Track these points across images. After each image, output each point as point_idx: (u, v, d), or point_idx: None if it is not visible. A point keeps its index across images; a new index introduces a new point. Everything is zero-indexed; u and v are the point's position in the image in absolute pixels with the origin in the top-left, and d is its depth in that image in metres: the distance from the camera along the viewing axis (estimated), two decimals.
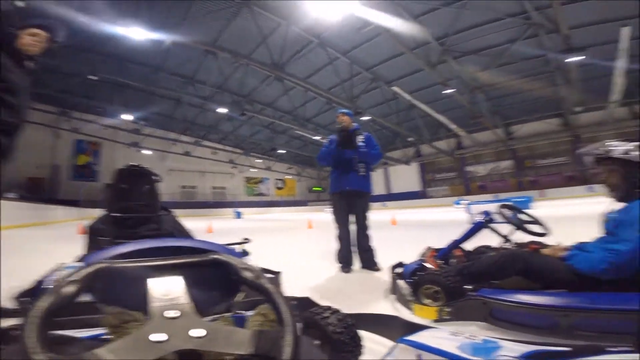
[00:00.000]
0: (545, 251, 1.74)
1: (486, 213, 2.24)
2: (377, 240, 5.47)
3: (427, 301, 1.77)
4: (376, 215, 16.04)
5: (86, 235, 1.75)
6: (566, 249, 1.69)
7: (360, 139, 3.14)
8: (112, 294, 0.56)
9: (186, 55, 14.62)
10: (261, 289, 0.49)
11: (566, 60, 11.11)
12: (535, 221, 2.16)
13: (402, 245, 4.86)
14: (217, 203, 31.26)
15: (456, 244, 2.32)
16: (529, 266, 1.61)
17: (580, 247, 1.67)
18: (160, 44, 12.11)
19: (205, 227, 9.58)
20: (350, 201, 3.12)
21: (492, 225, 2.19)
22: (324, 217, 18.69)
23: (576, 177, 22.28)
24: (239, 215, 22.97)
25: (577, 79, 12.94)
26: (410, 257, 2.50)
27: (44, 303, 0.40)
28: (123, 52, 14.56)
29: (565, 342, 0.97)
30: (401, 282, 2.10)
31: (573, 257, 1.57)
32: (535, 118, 21.77)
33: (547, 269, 1.59)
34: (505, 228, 2.13)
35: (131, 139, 25.81)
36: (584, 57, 10.47)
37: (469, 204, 8.64)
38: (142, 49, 13.80)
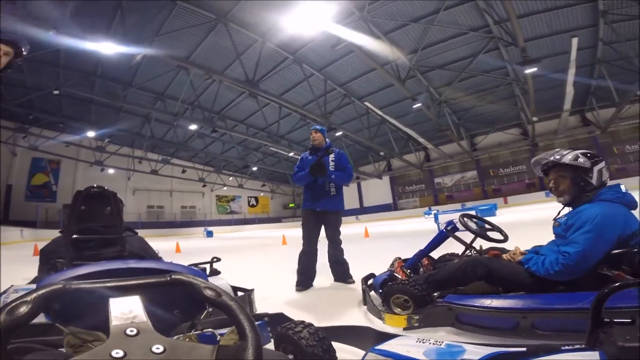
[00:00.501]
0: (504, 256, 1.84)
1: (449, 222, 2.33)
2: (351, 253, 5.50)
3: (397, 310, 1.81)
4: (349, 229, 16.16)
5: (40, 258, 1.66)
6: (523, 253, 1.79)
7: (331, 158, 3.20)
8: (70, 315, 0.55)
9: (157, 71, 14.30)
10: (222, 305, 0.49)
11: (525, 72, 11.89)
12: (495, 228, 2.28)
13: (375, 257, 4.92)
14: (186, 222, 30.21)
15: (423, 254, 2.39)
16: (490, 271, 1.69)
17: (536, 250, 1.78)
18: (130, 59, 11.75)
19: (174, 248, 9.22)
20: (322, 219, 3.19)
21: (456, 234, 2.29)
22: (299, 233, 18.53)
23: (535, 184, 23.69)
24: (210, 234, 22.25)
25: (533, 90, 13.95)
26: (382, 267, 2.55)
27: None
28: (91, 67, 14.12)
29: (524, 343, 1.03)
30: (373, 293, 2.13)
31: (529, 260, 1.67)
32: (497, 129, 23.12)
33: (506, 274, 1.67)
34: (469, 236, 2.23)
35: (94, 157, 24.52)
36: (535, 68, 11.20)
37: (436, 213, 8.95)
38: (111, 63, 13.36)
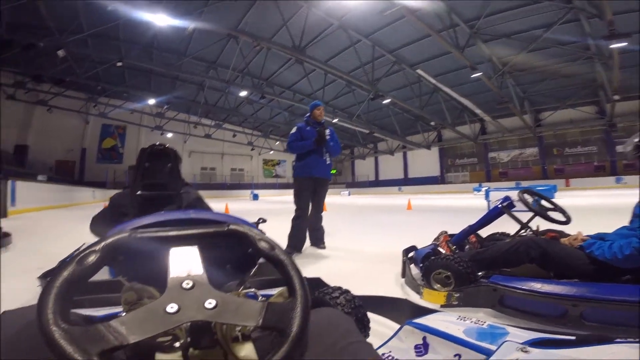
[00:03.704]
0: (563, 240, 1.70)
1: (505, 198, 2.18)
2: (391, 225, 5.48)
3: (437, 286, 1.79)
4: (390, 200, 15.95)
5: (107, 209, 1.81)
6: (584, 239, 1.65)
7: (327, 132, 3.45)
8: (131, 268, 0.57)
9: (209, 40, 14.74)
10: (275, 259, 0.49)
11: (610, 47, 10.51)
12: (557, 208, 2.10)
13: (416, 230, 4.85)
14: (235, 185, 32.07)
15: (472, 230, 2.28)
16: (546, 254, 1.58)
17: (601, 237, 1.62)
18: (183, 30, 12.27)
19: (223, 209, 9.81)
20: (316, 185, 3.45)
21: (511, 211, 2.14)
22: (339, 200, 18.80)
23: (605, 167, 21.13)
24: (256, 197, 23.36)
25: (618, 67, 12.13)
26: (423, 242, 2.50)
27: (64, 272, 0.40)
28: (148, 39, 14.88)
29: (569, 332, 0.97)
30: (412, 267, 2.11)
31: (592, 245, 1.53)
32: (568, 105, 20.50)
33: (563, 257, 1.56)
34: (524, 216, 2.08)
35: (155, 122, 26.56)
36: (625, 43, 9.91)
37: (488, 190, 8.37)
38: (166, 35, 14.09)
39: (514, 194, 2.19)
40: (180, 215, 0.63)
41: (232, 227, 0.52)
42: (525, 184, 18.66)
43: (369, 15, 12.58)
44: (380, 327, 1.27)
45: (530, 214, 2.05)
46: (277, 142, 33.77)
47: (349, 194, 28.35)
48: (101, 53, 14.59)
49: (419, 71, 16.40)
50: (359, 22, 13.44)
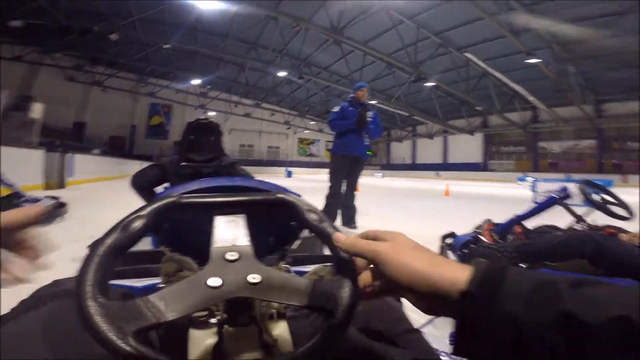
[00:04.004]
0: (623, 237, 1.54)
1: (563, 189, 2.01)
2: (427, 210, 5.34)
3: None
4: (427, 184, 15.51)
5: (151, 168, 1.90)
6: None
7: (369, 115, 3.51)
8: (174, 236, 0.55)
9: (250, 22, 14.86)
10: (323, 233, 0.45)
11: None
12: (620, 203, 1.90)
13: (452, 217, 4.67)
14: (270, 161, 33.00)
15: (519, 219, 2.14)
16: (601, 250, 1.45)
17: None
18: (226, 12, 12.46)
19: None
20: (351, 163, 3.52)
21: (566, 203, 1.97)
22: (372, 181, 18.55)
23: None
24: (289, 174, 23.89)
25: None
26: (459, 229, 2.39)
27: (108, 240, 0.38)
28: (192, 22, 15.30)
29: None
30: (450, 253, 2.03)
31: None
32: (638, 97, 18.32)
33: (621, 255, 1.42)
34: (580, 209, 1.91)
35: (198, 101, 27.76)
36: None
37: (535, 180, 7.78)
38: (210, 18, 14.44)
39: (568, 187, 2.02)
40: (225, 182, 0.62)
41: (280, 195, 0.49)
42: (577, 176, 17.16)
43: None
44: (412, 314, 1.23)
45: (585, 208, 1.88)
46: (313, 122, 33.98)
47: (383, 176, 27.90)
48: (149, 36, 15.34)
49: (468, 54, 15.42)
50: (402, 3, 12.74)
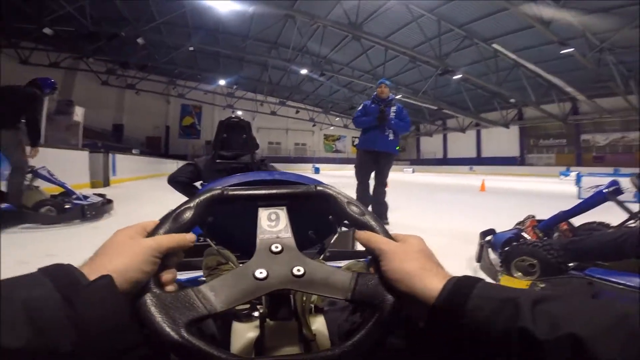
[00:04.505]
0: None
1: (612, 183, 1.88)
2: (462, 206, 5.19)
3: (517, 274, 1.63)
4: (461, 179, 15.03)
5: (187, 167, 1.99)
6: None
7: (393, 110, 3.56)
8: (218, 229, 0.55)
9: (268, 22, 15.03)
10: (366, 226, 0.44)
11: None
12: None
13: (490, 214, 4.50)
14: (298, 158, 33.38)
15: (565, 216, 2.04)
16: None
17: None
18: (244, 13, 12.69)
19: None
20: (377, 158, 3.55)
21: (618, 198, 1.84)
22: (402, 176, 18.20)
23: None
24: (317, 170, 24.14)
25: None
26: (498, 226, 2.32)
27: (161, 230, 0.39)
28: (213, 24, 15.77)
29: None
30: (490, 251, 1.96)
31: None
32: None
33: None
34: (632, 206, 1.78)
35: (226, 101, 28.58)
36: None
37: (580, 175, 7.26)
38: (229, 19, 14.79)
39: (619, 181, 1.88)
40: (265, 176, 0.63)
41: (320, 188, 0.49)
42: (625, 171, 15.91)
43: None
44: None
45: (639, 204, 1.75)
46: (337, 118, 33.98)
47: (413, 172, 27.34)
48: (174, 39, 15.94)
49: (495, 46, 14.73)
50: None
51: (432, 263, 0.38)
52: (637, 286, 1.25)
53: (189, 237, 0.39)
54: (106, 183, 8.34)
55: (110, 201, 4.07)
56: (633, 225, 1.75)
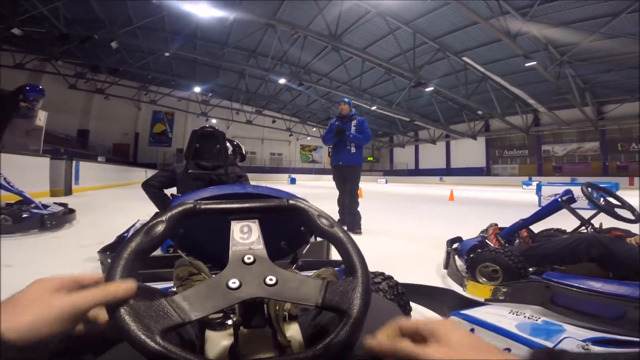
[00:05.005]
0: (630, 240, 1.55)
1: (566, 192, 2.01)
2: (431, 215, 5.36)
3: (482, 280, 1.71)
4: (432, 190, 15.45)
5: (162, 174, 1.97)
6: None
7: (354, 124, 3.81)
8: (189, 241, 0.56)
9: (248, 30, 15.01)
10: (334, 237, 0.47)
11: None
12: (626, 205, 1.91)
13: (458, 222, 4.66)
14: (273, 168, 33.11)
15: (525, 224, 2.15)
16: (609, 253, 1.47)
17: None
18: (224, 20, 12.62)
19: None
20: (344, 172, 3.81)
21: (571, 206, 1.97)
22: (375, 187, 18.52)
23: None
24: (293, 181, 23.93)
25: None
26: (465, 233, 2.42)
27: (132, 244, 0.40)
28: (192, 30, 15.53)
29: (627, 334, 0.88)
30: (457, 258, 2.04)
31: None
32: (637, 98, 18.16)
33: (628, 258, 1.43)
34: (585, 212, 1.92)
35: (200, 109, 27.94)
36: None
37: (540, 184, 7.74)
38: (208, 26, 14.66)
39: (573, 190, 2.02)
40: (238, 189, 0.64)
41: (292, 201, 0.51)
42: (582, 179, 17.06)
43: (409, 2, 12.08)
44: (420, 317, 1.24)
45: (591, 212, 1.89)
46: (314, 129, 34.14)
47: (386, 182, 27.91)
48: (150, 44, 15.47)
49: (466, 59, 15.52)
50: (398, 9, 12.90)
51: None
52: (591, 289, 1.34)
53: (123, 288, 0.35)
54: (68, 192, 7.87)
55: (72, 210, 3.84)
56: (584, 231, 1.88)
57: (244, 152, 2.05)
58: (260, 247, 0.45)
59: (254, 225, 0.48)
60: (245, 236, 0.46)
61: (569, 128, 22.46)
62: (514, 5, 11.03)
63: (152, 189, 1.97)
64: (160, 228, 0.43)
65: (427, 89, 17.28)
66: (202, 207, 0.47)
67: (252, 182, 2.19)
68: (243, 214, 0.49)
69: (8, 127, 3.56)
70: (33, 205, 3.48)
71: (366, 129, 3.83)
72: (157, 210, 2.11)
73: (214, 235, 0.52)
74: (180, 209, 0.45)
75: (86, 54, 17.16)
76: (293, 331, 0.53)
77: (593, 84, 17.84)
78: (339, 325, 0.37)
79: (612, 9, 10.86)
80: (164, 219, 0.44)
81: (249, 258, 0.42)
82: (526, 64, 12.73)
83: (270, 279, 0.40)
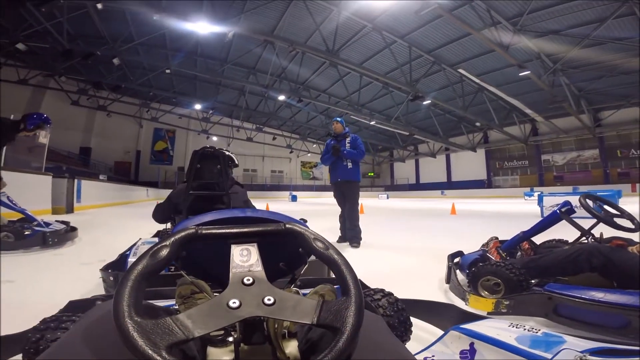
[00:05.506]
0: (632, 249, 1.55)
1: (564, 203, 2.02)
2: (433, 229, 5.33)
3: (484, 293, 1.70)
4: (433, 204, 15.36)
5: (165, 202, 1.97)
6: None
7: (347, 141, 3.94)
8: (190, 263, 0.61)
9: (247, 47, 15.36)
10: (329, 259, 0.50)
11: None
12: (625, 214, 1.91)
13: (461, 236, 4.63)
14: (274, 186, 33.16)
15: (525, 237, 2.14)
16: (610, 263, 1.47)
17: None
18: (223, 37, 12.95)
19: (264, 209, 10.08)
20: (343, 188, 3.92)
21: (571, 217, 1.97)
22: (377, 202, 18.50)
23: None
24: (294, 198, 23.83)
25: None
26: (468, 248, 2.41)
27: (139, 266, 0.43)
28: (192, 47, 15.90)
29: (632, 343, 0.88)
30: (458, 272, 2.03)
31: None
32: (633, 104, 18.39)
33: (630, 267, 1.43)
34: (585, 222, 1.92)
35: (201, 126, 28.16)
36: None
37: (541, 195, 7.71)
38: (208, 43, 15.07)
39: (572, 200, 2.03)
40: (238, 214, 0.67)
41: (288, 226, 0.54)
42: (584, 188, 17.01)
43: (403, 16, 12.38)
44: (421, 332, 1.24)
45: (592, 221, 1.89)
46: (315, 145, 34.32)
47: (387, 197, 27.90)
48: (151, 60, 15.83)
49: (461, 70, 15.77)
50: (393, 23, 13.23)
51: None
52: (593, 299, 1.34)
53: None
54: (69, 210, 7.91)
55: (74, 228, 3.87)
56: (585, 241, 1.88)
57: (236, 162, 2.07)
58: (259, 269, 0.48)
59: (253, 249, 0.51)
60: (245, 259, 0.49)
61: (567, 136, 22.58)
62: (504, 15, 11.31)
63: (164, 222, 2.06)
64: (164, 252, 0.46)
65: (425, 102, 17.47)
66: (204, 232, 0.50)
67: (253, 200, 2.21)
68: (242, 239, 0.52)
69: (10, 144, 3.60)
70: (35, 222, 3.49)
71: (360, 145, 3.94)
72: (159, 229, 2.11)
73: (214, 257, 0.56)
74: (183, 234, 0.49)
75: (89, 70, 17.49)
76: (292, 348, 0.55)
77: (587, 91, 18.03)
78: (332, 342, 0.40)
79: (599, 15, 11.12)
80: (167, 243, 0.47)
81: (249, 279, 0.46)
82: (520, 74, 12.91)
83: (269, 299, 0.43)
